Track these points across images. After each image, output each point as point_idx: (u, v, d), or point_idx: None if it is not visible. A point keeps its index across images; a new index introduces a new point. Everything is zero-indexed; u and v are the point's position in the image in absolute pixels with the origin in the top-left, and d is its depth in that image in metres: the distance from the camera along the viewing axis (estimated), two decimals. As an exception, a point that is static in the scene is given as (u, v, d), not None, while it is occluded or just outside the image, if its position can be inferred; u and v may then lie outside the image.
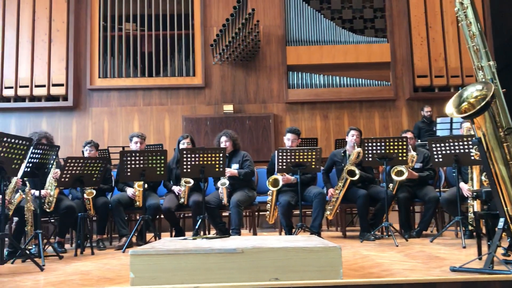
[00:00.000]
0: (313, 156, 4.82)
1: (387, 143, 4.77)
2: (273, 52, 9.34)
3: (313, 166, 4.86)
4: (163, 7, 9.35)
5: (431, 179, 5.44)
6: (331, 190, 5.19)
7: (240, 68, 9.29)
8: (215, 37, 8.99)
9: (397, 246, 4.35)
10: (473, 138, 2.92)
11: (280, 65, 9.28)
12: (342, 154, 5.37)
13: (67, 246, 5.11)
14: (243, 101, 9.25)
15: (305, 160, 4.81)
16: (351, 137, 5.30)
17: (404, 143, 4.79)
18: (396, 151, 4.77)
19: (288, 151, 4.83)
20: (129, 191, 5.22)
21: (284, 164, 4.82)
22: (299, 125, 8.85)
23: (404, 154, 4.80)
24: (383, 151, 4.76)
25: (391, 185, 5.15)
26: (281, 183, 4.95)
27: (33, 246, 4.36)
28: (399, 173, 5.05)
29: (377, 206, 5.08)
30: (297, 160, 4.79)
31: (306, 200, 5.07)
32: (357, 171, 4.99)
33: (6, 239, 3.95)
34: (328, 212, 5.19)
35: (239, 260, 2.65)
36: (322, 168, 5.37)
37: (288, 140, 5.23)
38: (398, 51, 9.36)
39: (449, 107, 2.94)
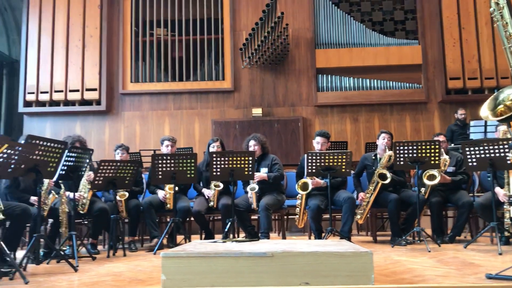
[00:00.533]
0: (343, 160, 4.78)
1: (419, 147, 4.69)
2: (302, 55, 9.32)
3: (343, 170, 4.82)
4: (193, 12, 9.46)
5: (464, 183, 5.32)
6: (361, 194, 5.13)
7: (269, 72, 9.31)
8: (244, 41, 9.04)
9: (429, 251, 4.26)
10: (510, 142, 2.84)
11: (309, 68, 9.26)
12: (373, 157, 5.30)
13: (99, 247, 5.21)
14: (272, 105, 9.26)
15: (335, 163, 4.77)
16: (382, 140, 5.24)
17: (437, 146, 4.70)
18: (428, 154, 4.68)
19: (318, 154, 4.80)
20: (160, 193, 5.29)
21: (314, 167, 4.79)
22: (329, 128, 8.80)
23: (437, 158, 4.70)
24: (415, 155, 4.68)
25: (423, 190, 5.05)
26: (310, 187, 4.92)
27: (67, 247, 4.46)
28: (431, 177, 4.96)
29: (408, 210, 4.99)
30: (327, 164, 4.76)
31: (336, 204, 5.03)
32: (388, 175, 4.91)
33: (42, 240, 4.06)
34: (358, 216, 5.13)
35: (269, 264, 2.65)
36: (352, 172, 5.32)
37: (317, 143, 5.21)
38: (430, 53, 9.20)
39: (484, 110, 2.86)
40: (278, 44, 8.77)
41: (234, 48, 9.31)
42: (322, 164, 4.76)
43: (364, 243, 5.14)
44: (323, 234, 4.92)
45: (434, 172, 4.92)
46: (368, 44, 9.26)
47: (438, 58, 9.07)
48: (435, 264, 3.60)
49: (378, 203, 5.09)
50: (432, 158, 4.69)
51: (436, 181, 4.92)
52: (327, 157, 4.76)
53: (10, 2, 11.76)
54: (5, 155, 3.24)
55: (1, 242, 3.31)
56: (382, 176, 4.95)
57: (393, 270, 3.35)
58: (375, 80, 9.17)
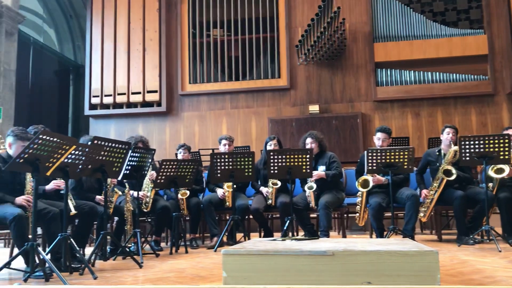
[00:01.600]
0: (405, 156, 4.62)
1: (487, 141, 4.44)
2: (360, 49, 9.13)
3: (405, 167, 4.67)
4: (249, 11, 9.52)
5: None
6: (425, 191, 4.94)
7: (326, 68, 9.19)
8: (300, 38, 8.98)
9: (500, 251, 4.04)
10: None
11: (368, 63, 9.05)
12: (437, 153, 5.09)
13: (162, 244, 5.36)
14: (329, 101, 9.14)
15: (396, 160, 4.63)
16: (446, 135, 5.02)
17: (506, 140, 4.43)
18: (497, 149, 4.42)
19: (379, 151, 4.68)
20: (219, 191, 5.36)
21: (374, 164, 4.67)
22: (389, 124, 8.55)
23: (506, 153, 4.43)
24: (482, 150, 4.44)
25: (490, 185, 4.78)
26: (371, 184, 4.80)
27: (132, 244, 4.63)
28: (499, 171, 4.67)
29: (476, 208, 4.75)
30: (388, 161, 4.62)
31: (398, 202, 4.87)
32: (454, 171, 4.71)
33: (108, 237, 4.23)
34: (421, 214, 4.95)
35: (330, 262, 2.61)
36: (415, 168, 5.14)
37: (378, 139, 5.07)
38: (497, 42, 8.71)
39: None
40: (335, 39, 8.64)
41: (290, 45, 9.27)
42: (383, 160, 4.63)
43: (428, 242, 4.95)
44: (385, 233, 4.79)
45: (502, 165, 4.64)
46: (429, 36, 8.91)
47: (506, 48, 8.57)
48: (507, 264, 3.41)
49: (443, 201, 4.89)
50: (502, 153, 4.43)
51: (504, 174, 4.64)
52: (388, 154, 4.63)
53: (75, 10, 12.37)
54: (73, 156, 3.40)
55: (71, 239, 3.47)
56: (447, 173, 4.74)
57: (460, 270, 3.20)
58: (438, 73, 8.81)
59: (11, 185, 3.76)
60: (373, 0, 9.18)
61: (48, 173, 3.32)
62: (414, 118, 8.92)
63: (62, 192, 3.87)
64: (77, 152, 3.42)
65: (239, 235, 5.30)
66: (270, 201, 5.16)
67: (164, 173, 4.62)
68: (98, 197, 4.55)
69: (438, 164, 4.96)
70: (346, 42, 8.99)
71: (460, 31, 8.86)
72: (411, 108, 8.95)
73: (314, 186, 4.92)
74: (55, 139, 3.16)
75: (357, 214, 5.03)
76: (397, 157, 4.62)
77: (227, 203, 5.29)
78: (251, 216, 5.43)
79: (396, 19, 9.08)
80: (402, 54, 8.92)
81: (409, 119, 8.93)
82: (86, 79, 9.89)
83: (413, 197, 4.74)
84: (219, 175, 4.86)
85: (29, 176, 3.76)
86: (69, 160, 3.38)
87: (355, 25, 9.19)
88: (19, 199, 3.67)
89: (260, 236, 5.46)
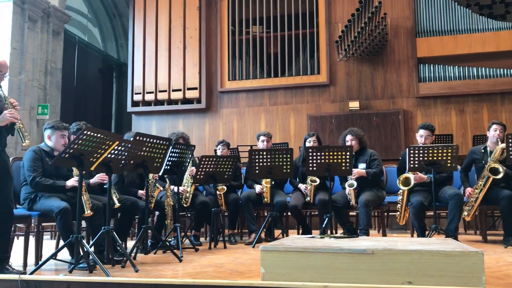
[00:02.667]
0: (449, 154, 4.49)
1: (537, 139, 4.25)
2: (402, 44, 8.93)
3: (448, 165, 4.53)
4: (288, 7, 9.48)
5: None
6: (469, 190, 4.78)
7: (366, 64, 9.04)
8: (340, 34, 8.88)
9: (550, 254, 3.87)
10: None
11: (410, 58, 8.84)
12: (482, 150, 4.92)
13: (201, 239, 5.43)
14: (370, 97, 8.99)
15: (439, 158, 4.50)
16: (493, 132, 4.84)
17: (558, 138, 4.23)
18: (547, 147, 4.23)
19: (421, 148, 4.56)
20: (257, 188, 5.37)
21: (417, 162, 4.55)
22: (432, 121, 8.33)
23: (558, 151, 4.24)
24: (531, 148, 4.25)
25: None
26: (412, 182, 4.69)
27: (172, 238, 4.71)
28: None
29: (524, 208, 4.56)
30: (430, 158, 4.50)
31: (440, 201, 4.74)
32: (501, 169, 4.53)
33: (149, 231, 4.32)
34: (465, 213, 4.79)
35: (369, 261, 2.57)
36: (458, 166, 4.98)
37: (420, 136, 4.95)
38: (549, 35, 8.32)
39: None
40: (376, 35, 8.48)
41: (330, 41, 9.17)
42: (426, 158, 4.51)
43: (472, 243, 4.80)
44: (426, 232, 4.67)
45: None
46: (475, 30, 8.60)
47: (557, 41, 8.18)
48: (557, 268, 3.26)
49: (489, 200, 4.71)
50: (553, 151, 4.23)
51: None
52: (431, 151, 4.50)
53: (118, 9, 12.68)
54: (116, 152, 3.49)
55: (114, 233, 3.56)
56: (494, 171, 4.57)
57: (506, 272, 3.08)
58: (483, 68, 8.50)
59: (56, 177, 3.89)
60: (416, -6, 8.95)
61: (92, 168, 3.42)
62: (458, 114, 8.64)
63: (105, 186, 3.99)
64: (120, 148, 3.51)
65: (277, 232, 5.31)
66: (308, 198, 5.13)
67: (204, 169, 4.67)
68: (140, 191, 4.66)
69: (483, 162, 4.79)
70: (387, 37, 8.81)
71: (509, 24, 8.51)
72: (455, 104, 8.68)
73: (355, 183, 4.85)
74: (99, 135, 3.26)
75: (398, 213, 4.92)
76: (440, 155, 4.49)
77: (265, 200, 5.30)
78: (289, 213, 5.42)
79: (440, 13, 8.81)
80: (446, 49, 8.66)
81: (453, 116, 8.66)
82: (128, 76, 10.12)
83: (457, 196, 4.60)
84: (257, 171, 4.87)
85: (75, 171, 3.89)
86: (112, 156, 3.48)
87: (396, 20, 8.99)
88: (70, 181, 3.81)
89: (298, 233, 5.44)
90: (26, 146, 3.36)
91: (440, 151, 4.49)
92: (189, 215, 5.70)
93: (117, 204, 3.98)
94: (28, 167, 3.76)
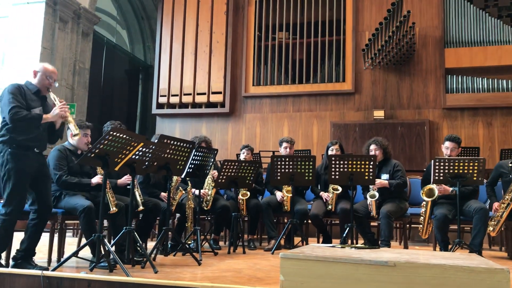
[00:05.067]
0: (475, 167, 4.39)
1: None
2: (430, 54, 8.81)
3: (474, 178, 4.43)
4: (315, 14, 9.46)
5: None
6: (495, 204, 4.67)
7: (393, 73, 8.95)
8: (367, 42, 8.81)
9: None
10: None
11: (438, 68, 8.71)
12: (510, 165, 4.80)
13: (221, 243, 5.43)
14: (395, 107, 8.88)
15: (465, 171, 4.41)
16: (521, 147, 4.73)
17: None
18: None
19: (447, 160, 4.48)
20: (278, 195, 5.35)
21: (442, 174, 4.47)
22: (458, 133, 8.19)
23: None
24: (562, 164, 4.13)
25: None
26: (436, 193, 4.60)
27: (192, 241, 4.73)
28: None
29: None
30: (456, 171, 4.41)
31: (465, 215, 4.64)
32: (528, 185, 4.41)
33: (170, 233, 4.34)
34: (491, 229, 4.68)
35: (390, 273, 2.52)
36: (485, 180, 4.87)
37: (446, 148, 4.86)
38: None
39: None
40: (404, 44, 8.39)
41: (356, 49, 9.11)
42: (451, 171, 4.43)
43: (497, 259, 4.68)
44: (449, 246, 4.57)
45: None
46: (506, 42, 8.43)
47: None
48: None
49: (516, 216, 4.59)
50: None
51: None
52: (457, 164, 4.42)
53: (146, 12, 12.87)
54: (140, 153, 3.53)
55: (135, 233, 3.59)
56: (521, 187, 4.46)
57: (533, 292, 2.98)
58: (514, 81, 8.33)
59: (80, 175, 3.96)
60: (446, 4, 8.83)
61: (117, 168, 3.47)
62: (485, 127, 8.47)
63: (129, 187, 4.04)
64: (144, 149, 3.54)
65: (296, 239, 5.27)
66: (330, 207, 5.09)
67: (225, 173, 4.68)
68: (163, 194, 4.71)
69: (510, 176, 4.67)
70: (415, 46, 8.71)
71: (541, 36, 8.32)
72: (482, 117, 8.51)
73: (377, 195, 4.78)
74: (124, 136, 3.30)
75: (421, 225, 4.84)
76: (466, 167, 4.40)
77: (286, 207, 5.28)
78: (309, 221, 5.38)
79: (470, 24, 8.67)
80: (475, 61, 8.51)
81: (480, 129, 8.49)
82: (154, 79, 10.23)
83: (482, 210, 4.49)
84: (279, 177, 4.85)
85: (99, 169, 3.96)
86: (137, 157, 3.51)
87: (425, 30, 8.89)
88: (95, 179, 3.89)
89: (318, 242, 5.39)
90: (77, 137, 3.58)
91: (466, 164, 4.40)
92: (209, 218, 5.71)
93: (141, 207, 4.03)
94: (54, 165, 3.84)
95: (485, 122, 8.49)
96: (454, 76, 8.61)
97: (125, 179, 4.19)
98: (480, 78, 8.47)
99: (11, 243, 3.54)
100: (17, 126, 3.31)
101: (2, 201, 3.44)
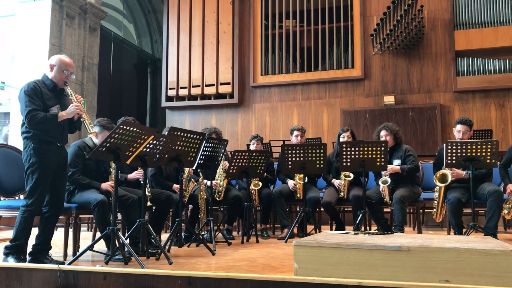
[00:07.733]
0: (488, 150, 4.34)
1: None
2: (439, 37, 8.69)
3: (488, 161, 4.39)
4: (322, 1, 9.37)
5: None
6: (510, 186, 4.62)
7: (402, 57, 8.85)
8: (375, 27, 8.72)
9: None
10: None
11: (448, 51, 8.60)
12: (524, 146, 4.74)
13: (234, 233, 5.45)
14: (406, 92, 8.80)
15: (478, 154, 4.36)
16: (535, 128, 4.66)
17: None
18: None
19: (459, 144, 4.43)
20: (290, 183, 5.35)
21: (454, 158, 4.43)
22: (470, 116, 8.10)
23: None
24: None
25: None
26: (450, 179, 4.56)
27: (205, 232, 4.75)
28: None
29: None
30: (469, 154, 4.37)
31: (479, 198, 4.60)
32: (543, 167, 4.36)
33: (183, 224, 4.37)
34: (505, 211, 4.63)
35: (405, 258, 2.52)
36: (498, 162, 4.82)
37: (458, 132, 4.80)
38: None
39: None
40: (412, 28, 8.29)
41: (364, 34, 9.02)
42: (464, 154, 4.39)
43: (513, 242, 4.64)
44: (464, 230, 4.55)
45: None
46: (517, 21, 8.28)
47: None
48: None
49: (530, 198, 4.55)
50: None
51: None
52: (469, 147, 4.37)
53: (152, 5, 12.84)
54: (151, 146, 3.54)
55: (149, 225, 3.62)
56: (536, 168, 4.40)
57: (550, 273, 2.95)
58: (526, 61, 8.19)
59: (96, 172, 4.00)
60: (454, -15, 8.68)
61: (128, 162, 3.48)
62: (498, 109, 8.36)
63: (141, 180, 4.06)
64: (155, 142, 3.55)
65: (309, 227, 5.28)
66: (342, 194, 5.08)
67: (236, 164, 4.69)
68: (175, 185, 4.74)
69: (525, 158, 4.62)
70: (424, 30, 8.60)
71: (553, 15, 8.16)
72: (495, 99, 8.40)
73: (389, 180, 4.76)
74: (134, 129, 3.31)
75: (434, 210, 4.81)
76: (479, 150, 4.36)
77: (298, 195, 5.28)
78: (322, 209, 5.37)
79: (480, 5, 8.52)
80: (486, 42, 8.38)
81: (492, 111, 8.39)
82: (163, 72, 10.24)
83: (496, 192, 4.45)
84: (290, 166, 4.85)
85: (112, 164, 3.98)
86: (148, 149, 3.53)
87: (434, 12, 8.76)
88: (105, 185, 3.92)
89: (331, 229, 5.39)
90: (92, 136, 3.57)
91: (479, 146, 4.36)
92: (221, 209, 5.74)
93: (149, 203, 4.06)
94: (70, 161, 3.87)
95: (497, 104, 8.38)
96: (465, 58, 8.49)
97: (136, 173, 4.22)
98: (491, 60, 8.35)
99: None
100: (35, 128, 3.36)
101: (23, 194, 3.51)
